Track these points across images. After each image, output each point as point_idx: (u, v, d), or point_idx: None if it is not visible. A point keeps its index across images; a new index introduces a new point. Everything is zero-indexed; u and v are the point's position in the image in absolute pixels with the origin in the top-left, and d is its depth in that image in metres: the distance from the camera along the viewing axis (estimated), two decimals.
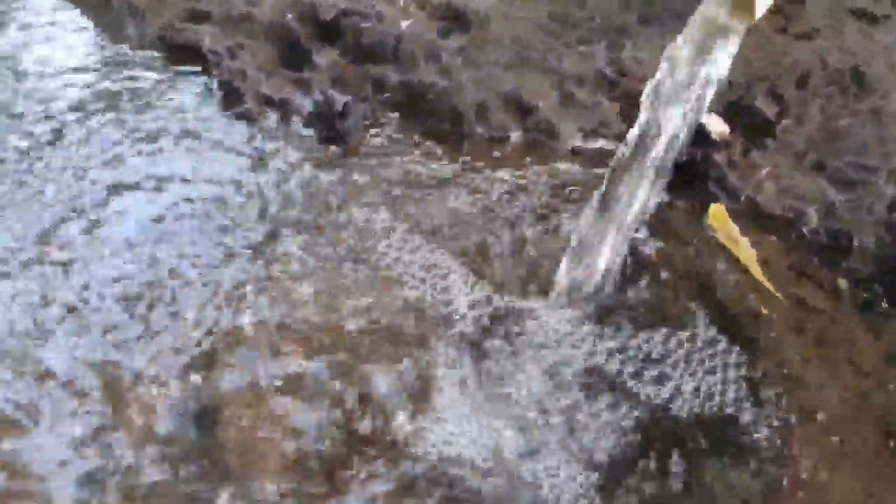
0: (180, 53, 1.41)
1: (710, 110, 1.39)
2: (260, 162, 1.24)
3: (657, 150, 1.08)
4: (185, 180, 1.20)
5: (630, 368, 1.06)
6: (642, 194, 1.11)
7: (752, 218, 1.29)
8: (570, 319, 1.08)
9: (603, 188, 1.08)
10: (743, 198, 1.30)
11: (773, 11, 1.51)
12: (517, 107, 1.36)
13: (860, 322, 1.16)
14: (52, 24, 1.46)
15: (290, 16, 1.45)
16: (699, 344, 1.10)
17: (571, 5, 1.57)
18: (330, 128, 1.30)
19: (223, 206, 1.17)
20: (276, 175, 1.22)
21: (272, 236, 1.15)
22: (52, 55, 1.39)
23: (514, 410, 0.98)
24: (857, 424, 1.02)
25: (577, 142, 1.37)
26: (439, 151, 1.31)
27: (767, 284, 1.19)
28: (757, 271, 1.20)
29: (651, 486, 0.96)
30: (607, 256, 1.13)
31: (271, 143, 1.27)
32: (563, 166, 1.34)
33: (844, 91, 1.42)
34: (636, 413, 1.01)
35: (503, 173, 1.31)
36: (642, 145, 1.07)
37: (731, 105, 1.42)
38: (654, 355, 1.08)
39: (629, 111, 1.39)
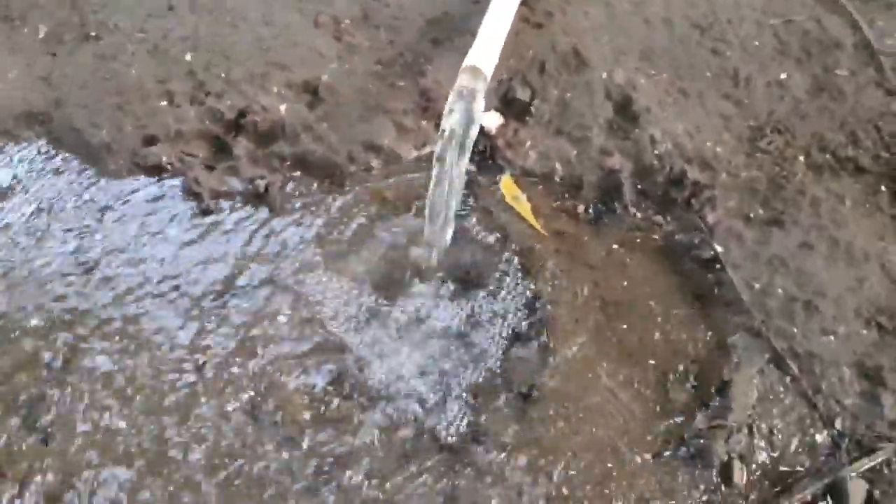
0: (152, 169, 2.13)
1: (491, 108, 2.18)
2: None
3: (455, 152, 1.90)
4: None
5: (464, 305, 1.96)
6: (457, 182, 1.93)
7: (526, 177, 2.13)
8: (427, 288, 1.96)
9: (431, 183, 1.89)
10: (517, 166, 2.13)
11: (522, 3, 2.24)
12: (372, 147, 2.13)
13: (591, 233, 2.05)
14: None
15: (207, 122, 2.16)
16: (499, 273, 1.99)
17: (386, 47, 2.27)
18: (260, 200, 2.08)
19: None
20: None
21: None
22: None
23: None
24: (581, 300, 1.94)
25: (415, 153, 2.16)
26: (332, 189, 2.10)
27: (537, 226, 2.05)
28: (531, 219, 2.06)
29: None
30: (448, 231, 1.98)
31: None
32: (410, 174, 2.14)
33: (569, 69, 2.19)
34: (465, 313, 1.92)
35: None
36: (445, 150, 1.88)
37: (503, 99, 2.20)
38: (478, 287, 1.98)
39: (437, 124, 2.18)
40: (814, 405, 1.75)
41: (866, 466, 1.67)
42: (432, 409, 1.77)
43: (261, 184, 2.09)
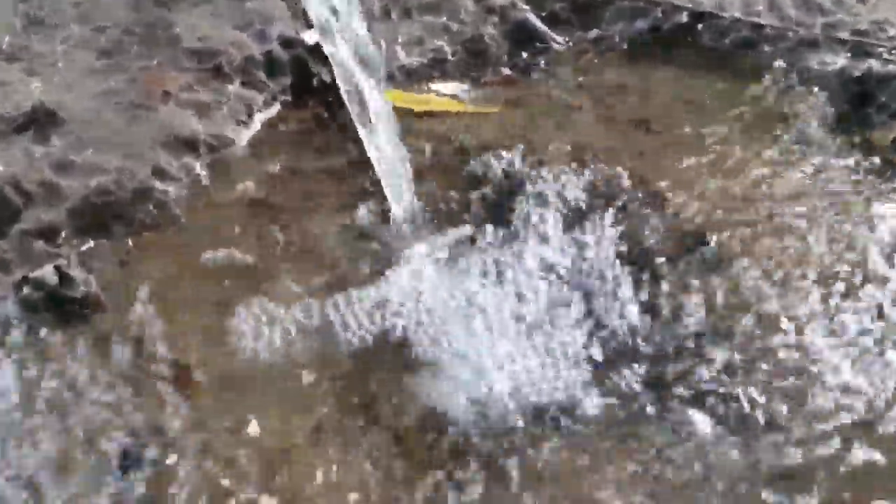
0: None
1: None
2: None
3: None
4: None
5: None
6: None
7: (413, 78, 1.45)
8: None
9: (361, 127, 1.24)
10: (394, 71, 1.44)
11: None
12: (189, 147, 1.26)
13: (552, 82, 1.44)
14: None
15: None
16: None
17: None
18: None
19: None
20: None
21: None
22: None
23: None
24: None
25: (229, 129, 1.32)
26: None
27: (475, 109, 1.38)
28: (457, 107, 1.39)
29: None
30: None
31: None
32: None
33: None
34: None
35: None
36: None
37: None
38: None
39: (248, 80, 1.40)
40: None
41: None
42: None
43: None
